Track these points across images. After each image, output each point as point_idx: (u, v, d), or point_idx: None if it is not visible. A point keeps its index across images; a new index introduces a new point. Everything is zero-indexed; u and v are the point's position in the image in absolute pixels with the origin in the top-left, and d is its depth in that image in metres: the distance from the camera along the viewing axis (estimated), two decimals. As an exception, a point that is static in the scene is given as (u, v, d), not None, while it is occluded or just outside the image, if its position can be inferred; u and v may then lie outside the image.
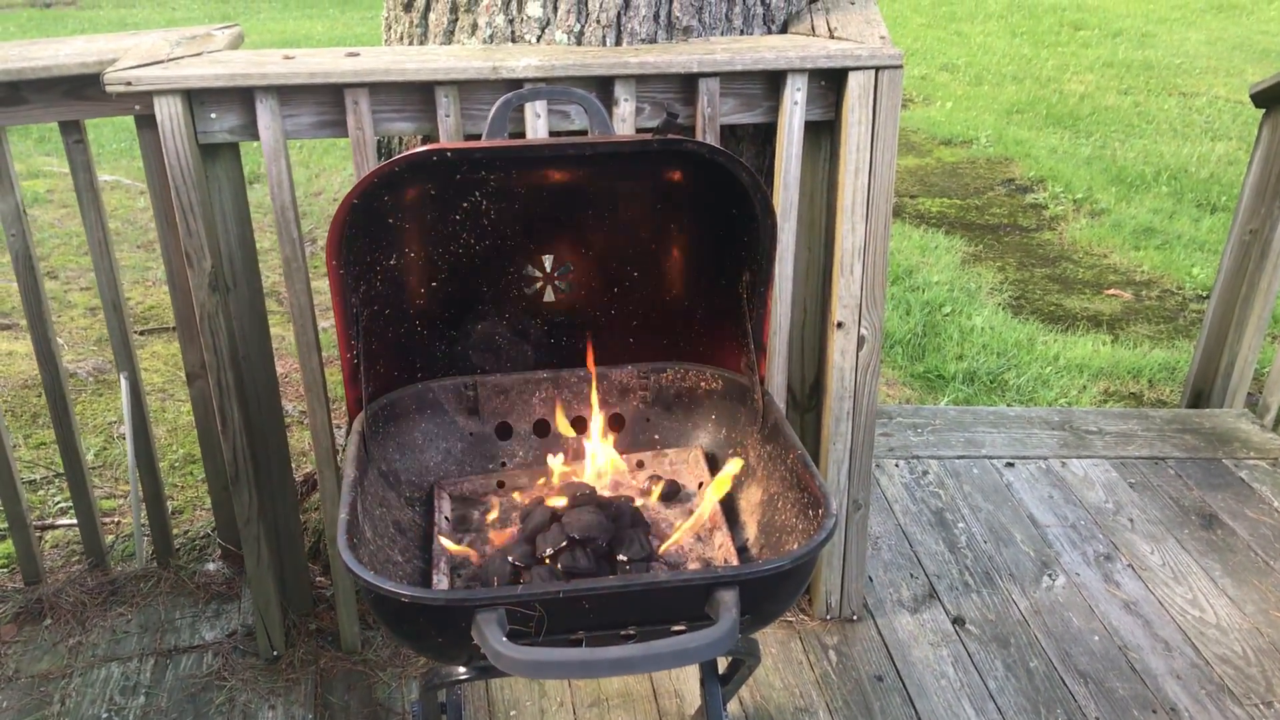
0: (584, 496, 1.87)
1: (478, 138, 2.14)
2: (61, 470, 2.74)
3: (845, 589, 2.67)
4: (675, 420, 2.16)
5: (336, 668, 2.51)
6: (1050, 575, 2.88)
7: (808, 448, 2.53)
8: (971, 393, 4.22)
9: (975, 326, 4.78)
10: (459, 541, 1.90)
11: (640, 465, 2.09)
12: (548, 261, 2.04)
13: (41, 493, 3.27)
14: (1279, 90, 3.36)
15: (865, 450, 2.53)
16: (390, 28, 2.49)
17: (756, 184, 1.79)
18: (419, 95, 2.18)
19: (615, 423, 2.16)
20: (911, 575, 2.88)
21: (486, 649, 1.39)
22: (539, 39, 2.29)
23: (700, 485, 2.01)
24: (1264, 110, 3.49)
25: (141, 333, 4.47)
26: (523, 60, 2.12)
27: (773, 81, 2.27)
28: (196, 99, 2.10)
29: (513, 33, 2.30)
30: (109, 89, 2.03)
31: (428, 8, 2.36)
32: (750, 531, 1.89)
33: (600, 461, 2.05)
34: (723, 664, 2.04)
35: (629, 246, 2.04)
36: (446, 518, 1.95)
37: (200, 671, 2.50)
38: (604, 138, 1.91)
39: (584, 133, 2.24)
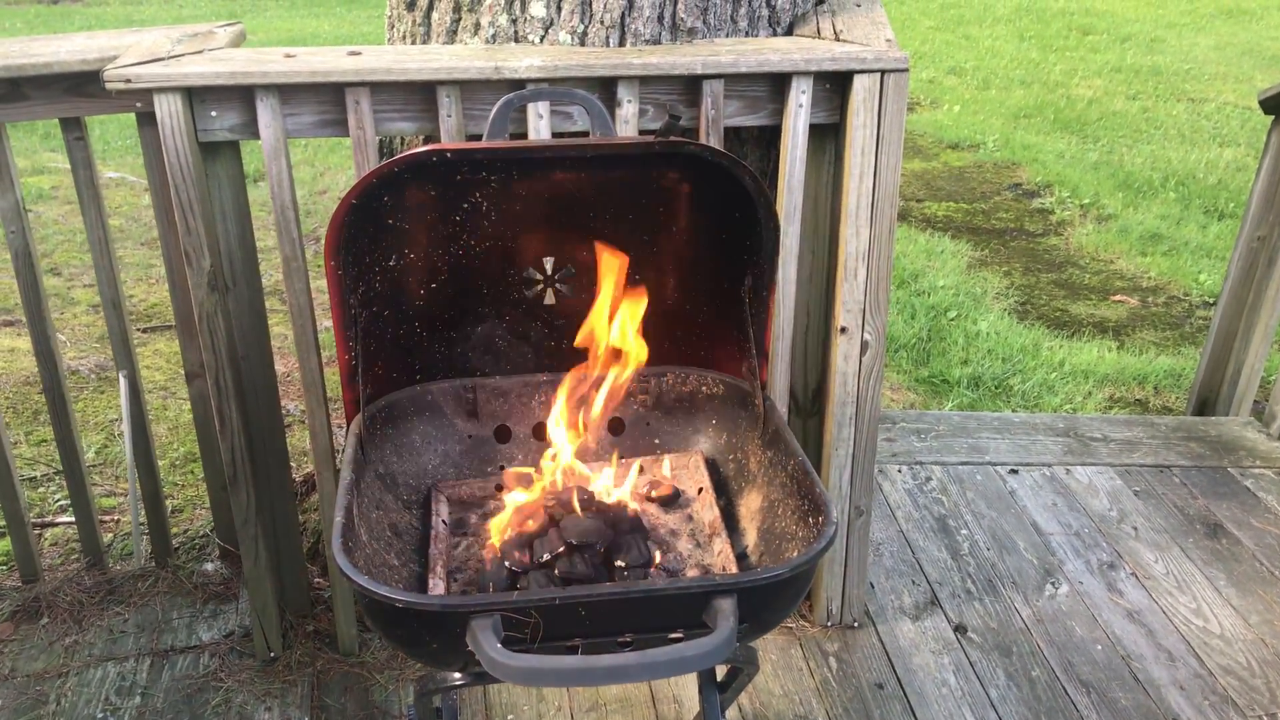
0: (582, 501, 1.85)
1: (480, 138, 2.13)
2: (62, 468, 2.73)
3: (846, 595, 2.65)
4: (675, 425, 2.14)
5: (333, 670, 2.50)
6: (1053, 583, 2.86)
7: (810, 453, 2.52)
8: (976, 398, 4.20)
9: (980, 331, 4.76)
10: (455, 547, 1.89)
11: (640, 470, 2.08)
12: (548, 264, 2.03)
13: (41, 490, 3.26)
14: (1288, 97, 3.34)
15: (868, 456, 2.51)
16: (393, 27, 2.47)
17: (760, 187, 1.77)
18: (421, 95, 2.16)
19: (615, 426, 2.14)
20: (913, 582, 2.86)
21: (481, 656, 1.38)
22: (542, 39, 2.27)
23: (700, 491, 1.99)
24: (1273, 117, 3.46)
25: (144, 330, 4.46)
26: (525, 60, 2.11)
27: (777, 84, 2.25)
28: (197, 97, 2.09)
29: (516, 33, 2.28)
30: (109, 86, 2.02)
31: (430, 7, 2.35)
32: (750, 538, 1.87)
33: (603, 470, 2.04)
34: (721, 671, 2.02)
35: (630, 249, 2.03)
36: (444, 521, 1.93)
37: (197, 672, 2.49)
38: (606, 139, 1.89)
39: (586, 134, 2.23)
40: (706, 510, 1.94)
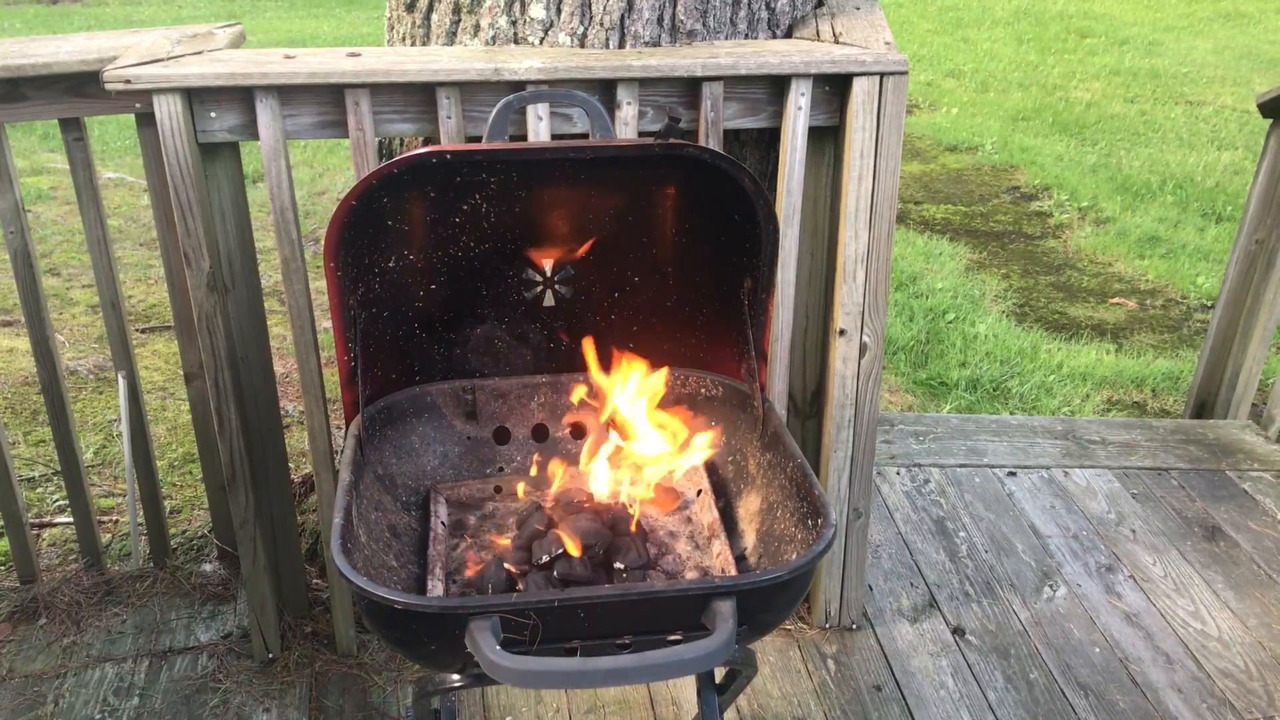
0: (581, 503, 1.85)
1: (479, 140, 2.13)
2: (60, 468, 2.72)
3: (845, 597, 2.65)
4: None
5: (332, 671, 2.50)
6: (1051, 586, 2.86)
7: (808, 455, 2.52)
8: (974, 400, 4.20)
9: (979, 334, 4.76)
10: (454, 548, 1.89)
11: (637, 469, 2.07)
12: (548, 265, 2.03)
13: (40, 490, 3.26)
14: (1287, 100, 3.35)
15: (866, 458, 2.51)
16: (393, 28, 2.47)
17: (759, 190, 1.77)
18: (420, 96, 2.16)
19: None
20: (911, 584, 2.86)
21: (480, 658, 1.38)
22: (542, 41, 2.28)
23: (699, 492, 1.99)
24: (1271, 120, 3.47)
25: (143, 330, 4.46)
26: (525, 62, 2.11)
27: (777, 86, 2.26)
28: (196, 98, 2.09)
29: (515, 34, 2.29)
30: (108, 87, 2.02)
31: (430, 9, 2.35)
32: (749, 540, 1.87)
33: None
34: (720, 673, 2.02)
35: (630, 251, 2.03)
36: (443, 522, 1.93)
37: (195, 673, 2.49)
38: (606, 141, 1.89)
39: (586, 136, 2.23)
40: (705, 512, 1.94)
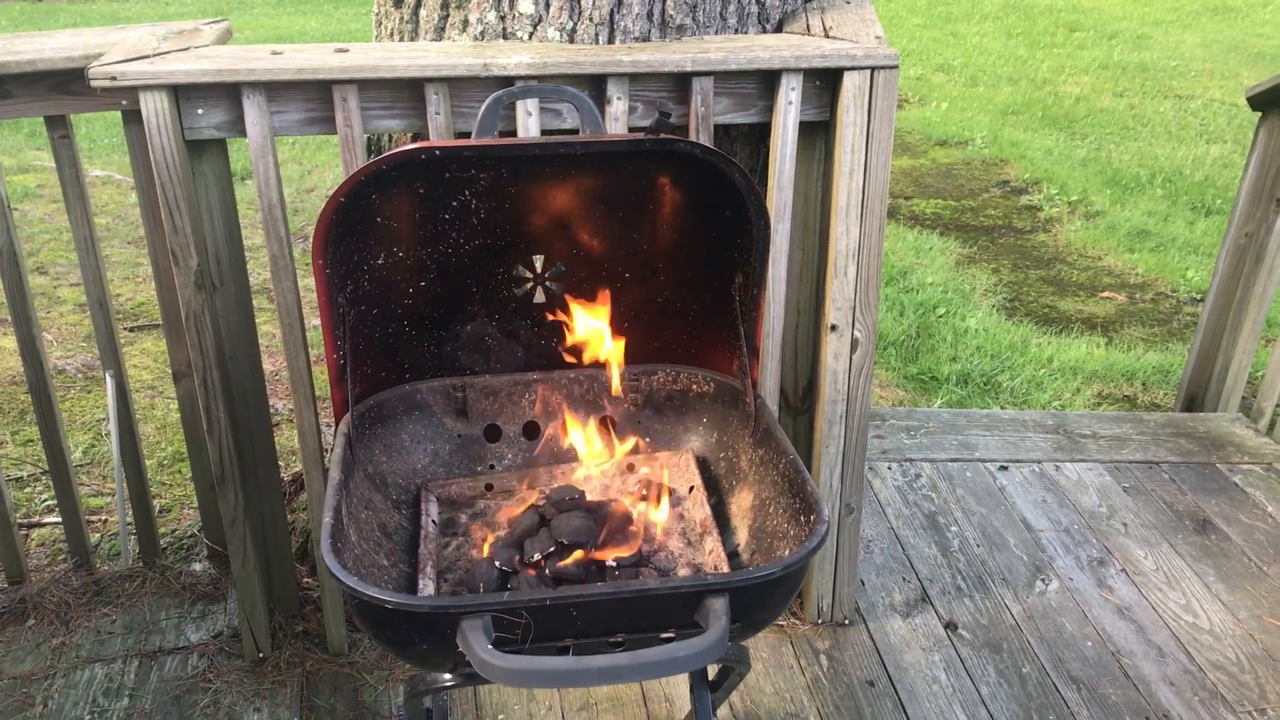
0: (572, 500, 1.85)
1: (468, 136, 2.12)
2: (48, 468, 2.71)
3: (837, 593, 2.65)
4: (666, 423, 2.14)
5: (323, 670, 2.49)
6: (1043, 580, 2.86)
7: (800, 451, 2.52)
8: (965, 395, 4.21)
9: (969, 328, 4.76)
10: (445, 547, 1.88)
11: (631, 468, 2.07)
12: (538, 262, 2.02)
13: (28, 490, 3.24)
14: (1276, 93, 3.35)
15: (858, 454, 2.51)
16: (380, 24, 2.46)
17: (750, 185, 1.77)
18: (409, 92, 2.15)
19: (605, 425, 2.14)
20: (904, 579, 2.86)
21: (472, 657, 1.37)
22: (531, 36, 2.26)
23: (691, 489, 1.99)
24: (1261, 113, 3.47)
25: (131, 329, 4.44)
26: (514, 57, 2.10)
27: (767, 81, 2.25)
28: (183, 94, 2.07)
29: (504, 29, 2.27)
30: (94, 84, 2.00)
31: (418, 4, 2.33)
32: (741, 536, 1.87)
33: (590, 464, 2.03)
34: (712, 670, 2.02)
35: (621, 247, 2.02)
36: (434, 521, 1.92)
37: (185, 673, 2.48)
38: (596, 137, 1.88)
39: (576, 131, 2.22)
40: (698, 509, 1.93)
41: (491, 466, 2.09)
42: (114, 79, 2.00)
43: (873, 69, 2.20)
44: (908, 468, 3.38)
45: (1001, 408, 4.10)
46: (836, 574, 2.63)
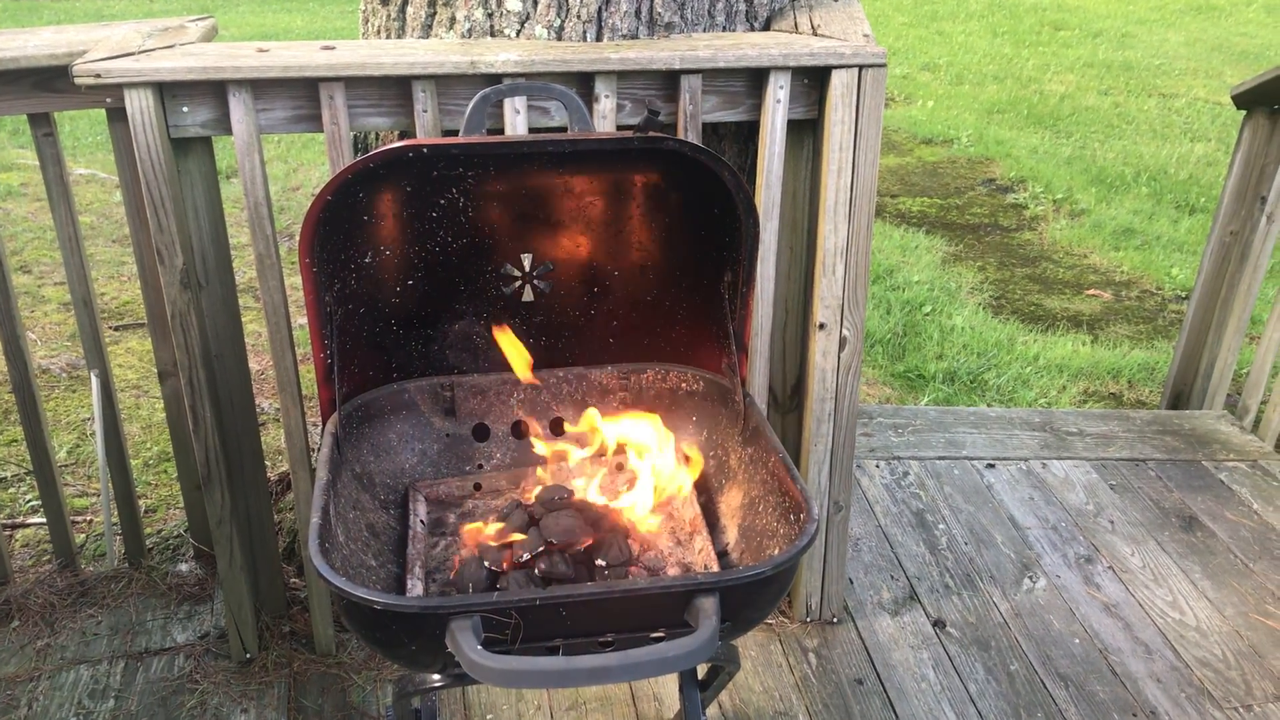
0: (562, 500, 1.84)
1: (456, 134, 2.11)
2: (32, 468, 2.69)
3: (825, 591, 2.65)
4: (655, 422, 2.13)
5: (310, 671, 2.48)
6: (1031, 577, 2.87)
7: (789, 449, 2.52)
8: (951, 392, 4.21)
9: (955, 326, 4.77)
10: (434, 547, 1.87)
11: (620, 468, 2.06)
12: (526, 260, 2.01)
13: (12, 490, 3.22)
14: (1260, 92, 3.36)
15: (846, 452, 2.51)
16: (367, 21, 2.45)
17: (739, 183, 1.76)
18: (396, 90, 2.14)
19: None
20: (892, 577, 2.86)
21: (461, 658, 1.36)
22: (518, 34, 2.26)
23: (680, 488, 1.98)
24: (1245, 112, 3.49)
25: (116, 328, 4.41)
26: (502, 55, 2.09)
27: (755, 79, 2.25)
28: (168, 92, 2.06)
29: (491, 27, 2.27)
30: (78, 81, 1.99)
31: (405, 1, 2.32)
32: (730, 535, 1.86)
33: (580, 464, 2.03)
34: (702, 670, 2.01)
35: (609, 245, 2.01)
36: (422, 521, 1.91)
37: (171, 674, 2.46)
38: (584, 135, 1.88)
39: (564, 129, 2.21)
40: (687, 508, 1.93)
41: (480, 466, 2.08)
42: (98, 76, 1.98)
43: (860, 67, 2.19)
44: (895, 466, 3.38)
45: (988, 405, 4.11)
46: (825, 572, 2.63)
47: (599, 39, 2.26)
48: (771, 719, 2.38)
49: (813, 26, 2.33)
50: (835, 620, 2.68)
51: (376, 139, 2.49)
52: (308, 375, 3.25)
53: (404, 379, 2.06)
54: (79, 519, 3.04)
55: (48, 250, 5.13)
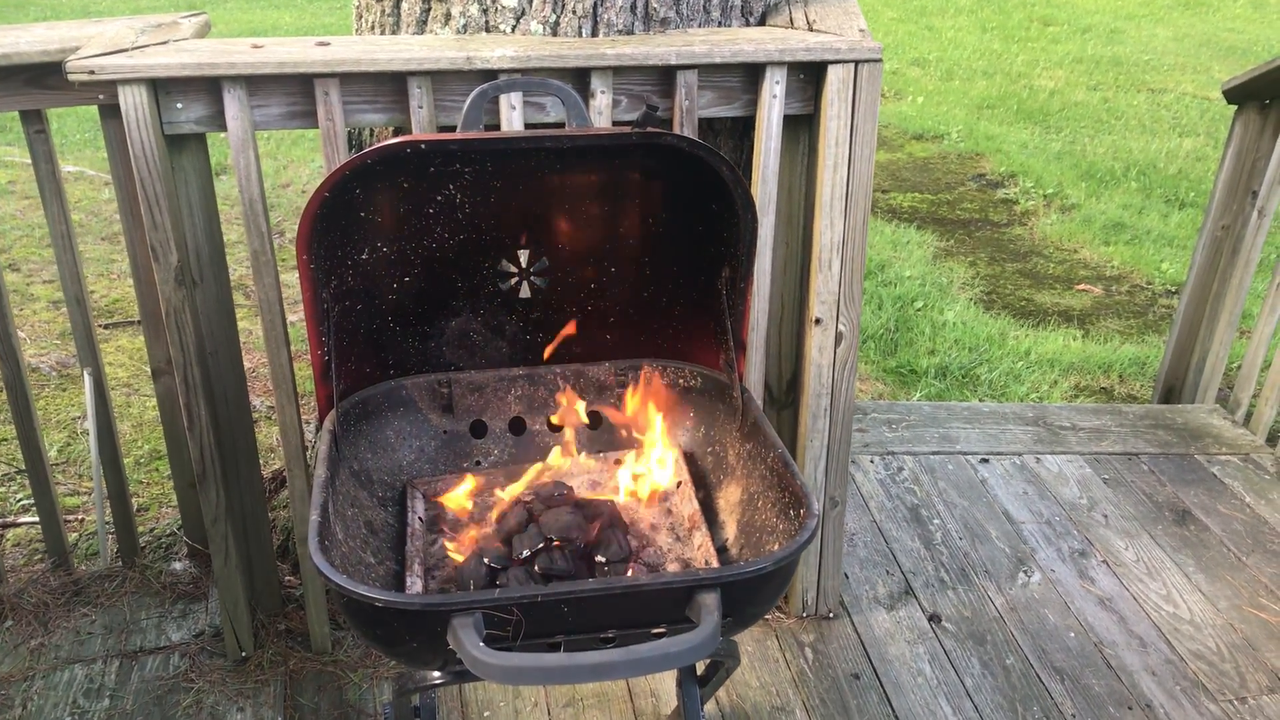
0: (560, 496, 1.84)
1: (452, 130, 2.10)
2: (23, 467, 2.67)
3: (822, 586, 2.65)
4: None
5: (306, 669, 2.47)
6: (1026, 572, 2.88)
7: (784, 445, 2.51)
8: (944, 388, 4.22)
9: (947, 321, 4.78)
10: (432, 544, 1.87)
11: (618, 464, 2.06)
12: (523, 256, 2.01)
13: (3, 490, 3.20)
14: (1251, 87, 3.37)
15: (842, 447, 2.51)
16: (361, 17, 2.44)
17: (737, 178, 1.76)
18: (391, 86, 2.13)
19: (592, 420, 2.13)
20: (887, 572, 2.87)
21: (463, 655, 1.36)
22: (513, 29, 2.25)
23: (679, 484, 1.98)
24: (1236, 107, 3.50)
25: (107, 326, 4.39)
26: (497, 51, 2.09)
27: (751, 74, 2.24)
28: (162, 88, 2.05)
29: (487, 22, 2.26)
30: (71, 77, 1.98)
31: (400, -3, 2.32)
32: (730, 531, 1.86)
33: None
34: (701, 665, 2.01)
35: (606, 241, 2.01)
36: (420, 518, 1.91)
37: (166, 673, 2.45)
38: (581, 130, 1.87)
39: (560, 125, 2.21)
40: (686, 503, 1.93)
41: (478, 463, 2.08)
42: (92, 73, 1.97)
43: (856, 62, 2.19)
44: (890, 461, 3.39)
45: (980, 400, 4.11)
46: (821, 567, 2.63)
47: (594, 34, 2.25)
48: (769, 714, 2.38)
49: (808, 22, 2.33)
50: (831, 615, 2.68)
51: (372, 135, 2.48)
52: (302, 372, 3.24)
53: (401, 376, 2.06)
54: (71, 518, 3.03)
55: (37, 248, 5.10)
